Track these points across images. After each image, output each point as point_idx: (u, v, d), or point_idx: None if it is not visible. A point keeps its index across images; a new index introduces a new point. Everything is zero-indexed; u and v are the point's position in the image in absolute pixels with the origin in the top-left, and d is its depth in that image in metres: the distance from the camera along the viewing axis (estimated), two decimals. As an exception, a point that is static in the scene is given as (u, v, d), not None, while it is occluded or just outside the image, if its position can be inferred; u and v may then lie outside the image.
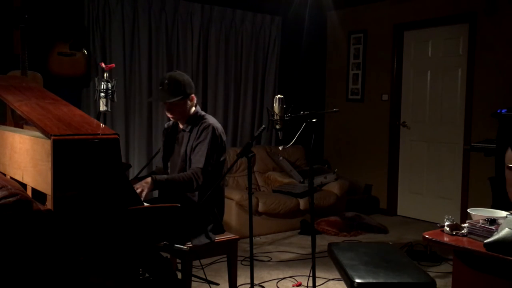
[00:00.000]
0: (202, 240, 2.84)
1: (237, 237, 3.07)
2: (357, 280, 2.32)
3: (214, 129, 2.89)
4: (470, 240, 2.21)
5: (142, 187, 2.64)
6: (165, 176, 2.81)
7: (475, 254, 2.12)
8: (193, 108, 3.02)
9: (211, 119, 2.98)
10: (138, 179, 3.02)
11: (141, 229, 1.98)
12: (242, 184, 5.47)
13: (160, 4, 5.21)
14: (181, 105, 2.92)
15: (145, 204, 2.29)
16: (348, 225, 5.11)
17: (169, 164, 3.12)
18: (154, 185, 2.68)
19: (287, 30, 6.22)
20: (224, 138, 2.98)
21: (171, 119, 3.08)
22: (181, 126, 3.04)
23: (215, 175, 2.91)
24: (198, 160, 2.83)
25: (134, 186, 2.56)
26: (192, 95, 2.95)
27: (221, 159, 2.96)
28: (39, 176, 1.90)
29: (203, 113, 3.04)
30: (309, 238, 4.04)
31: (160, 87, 2.92)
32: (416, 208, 5.80)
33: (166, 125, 3.22)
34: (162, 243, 2.63)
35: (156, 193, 3.33)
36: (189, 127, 2.97)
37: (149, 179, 2.69)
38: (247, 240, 3.20)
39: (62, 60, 4.50)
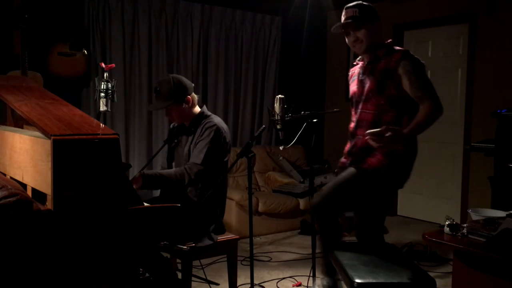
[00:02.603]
0: (205, 241, 2.83)
1: (237, 237, 3.07)
2: (357, 280, 2.32)
3: (218, 129, 2.87)
4: (470, 240, 2.21)
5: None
6: (156, 171, 2.79)
7: (475, 254, 2.12)
8: (196, 109, 3.00)
9: (216, 119, 2.95)
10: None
11: (141, 229, 1.98)
12: (242, 184, 5.46)
13: (160, 4, 5.21)
14: (176, 109, 2.91)
15: (145, 204, 2.29)
16: (348, 225, 5.11)
17: (173, 165, 3.12)
18: (143, 180, 2.64)
19: (287, 30, 6.21)
20: (229, 139, 2.95)
21: (172, 122, 3.09)
22: (186, 126, 3.03)
23: (218, 175, 2.89)
24: (196, 156, 2.81)
25: None
26: (188, 96, 2.91)
27: (225, 159, 2.94)
28: (39, 176, 1.90)
29: (209, 113, 3.01)
30: (309, 238, 4.03)
31: (154, 95, 2.95)
32: (416, 208, 5.80)
33: (171, 125, 3.22)
34: (162, 243, 2.63)
35: (157, 193, 3.33)
36: (194, 127, 2.95)
37: (137, 174, 2.66)
38: (247, 240, 3.20)
39: (62, 60, 4.50)
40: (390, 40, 2.82)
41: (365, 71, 2.82)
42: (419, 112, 2.58)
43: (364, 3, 2.77)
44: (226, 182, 3.03)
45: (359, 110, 2.84)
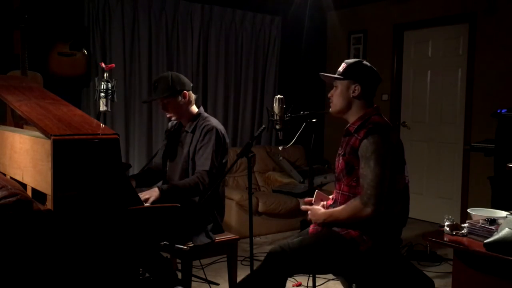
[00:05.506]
0: (203, 239, 2.84)
1: (237, 237, 3.08)
2: (357, 280, 2.32)
3: (217, 131, 2.91)
4: (470, 240, 2.21)
5: (149, 195, 2.65)
6: (170, 184, 2.81)
7: (475, 254, 2.12)
8: (194, 108, 3.03)
9: (214, 121, 3.00)
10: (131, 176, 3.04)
11: (141, 229, 1.98)
12: (242, 184, 5.46)
13: (160, 4, 5.21)
14: (172, 102, 2.94)
15: (145, 204, 2.29)
16: None
17: (168, 163, 3.12)
18: (161, 194, 2.68)
19: (287, 30, 6.21)
20: (227, 140, 3.00)
21: (170, 119, 3.10)
22: (184, 126, 3.06)
23: (218, 176, 2.91)
24: (203, 163, 2.84)
25: (141, 193, 2.57)
26: (185, 91, 2.96)
27: (224, 160, 2.97)
28: (39, 176, 1.90)
29: (206, 114, 3.05)
30: (309, 238, 4.02)
31: (153, 88, 3.00)
32: (416, 208, 5.78)
33: (169, 125, 3.23)
34: (162, 243, 2.63)
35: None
36: (191, 128, 2.98)
37: (156, 189, 2.69)
38: (247, 240, 3.20)
39: (62, 60, 4.50)
40: (376, 105, 2.42)
41: (342, 143, 2.41)
42: (348, 203, 2.25)
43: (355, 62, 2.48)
44: (223, 184, 3.03)
45: (335, 190, 2.45)
